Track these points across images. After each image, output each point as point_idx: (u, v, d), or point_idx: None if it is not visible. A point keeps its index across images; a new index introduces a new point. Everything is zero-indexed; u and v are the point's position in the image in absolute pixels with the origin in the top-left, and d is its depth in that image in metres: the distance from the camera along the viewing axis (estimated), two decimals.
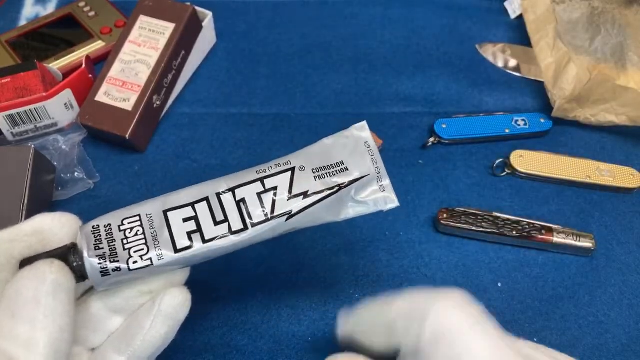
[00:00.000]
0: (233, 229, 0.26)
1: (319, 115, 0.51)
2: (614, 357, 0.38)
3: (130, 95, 0.47)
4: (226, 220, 0.26)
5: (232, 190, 0.27)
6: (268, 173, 0.27)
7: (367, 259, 0.42)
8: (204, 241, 0.26)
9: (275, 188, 0.27)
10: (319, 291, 0.41)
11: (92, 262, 0.25)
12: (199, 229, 0.26)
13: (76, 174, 0.45)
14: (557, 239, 0.42)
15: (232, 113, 0.51)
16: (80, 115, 0.47)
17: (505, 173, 0.47)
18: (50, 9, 0.59)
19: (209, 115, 0.51)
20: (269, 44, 0.56)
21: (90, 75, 0.49)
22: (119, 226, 0.26)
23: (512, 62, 0.55)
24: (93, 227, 0.26)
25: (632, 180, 0.46)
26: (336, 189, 0.27)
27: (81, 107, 0.47)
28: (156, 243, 0.26)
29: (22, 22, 0.58)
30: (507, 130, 0.49)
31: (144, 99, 0.46)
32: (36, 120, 0.46)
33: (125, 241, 0.25)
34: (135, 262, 0.25)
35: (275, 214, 0.27)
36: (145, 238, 0.26)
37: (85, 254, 0.25)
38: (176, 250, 0.26)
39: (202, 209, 0.26)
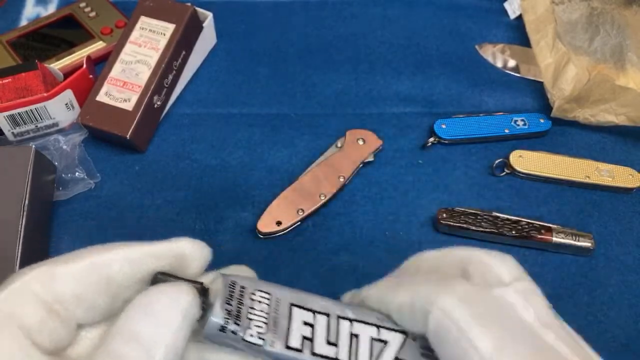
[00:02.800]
0: (338, 357, 0.26)
1: (319, 115, 0.51)
2: (614, 357, 0.38)
3: (131, 95, 0.47)
4: (336, 345, 0.27)
5: (352, 321, 0.27)
6: (386, 325, 0.28)
7: (367, 259, 0.42)
8: (312, 353, 0.26)
9: (385, 342, 0.27)
10: (319, 291, 0.40)
11: (219, 315, 0.25)
12: (312, 339, 0.26)
13: (77, 173, 0.45)
14: (557, 238, 0.42)
15: (232, 113, 0.51)
16: (81, 115, 0.47)
17: (504, 173, 0.47)
18: (51, 9, 0.59)
19: (209, 115, 0.51)
20: (269, 44, 0.56)
21: (91, 76, 0.49)
22: (252, 294, 0.26)
23: (512, 62, 0.55)
24: (232, 282, 0.26)
25: (631, 180, 0.46)
26: None
27: (82, 107, 0.47)
28: (274, 329, 0.26)
29: (23, 23, 0.58)
30: (506, 130, 0.49)
31: (145, 99, 0.46)
32: (37, 121, 0.46)
33: (251, 310, 0.26)
34: (251, 335, 0.25)
35: None
36: (267, 318, 0.26)
37: (218, 306, 0.25)
38: (287, 347, 0.26)
39: (321, 321, 0.27)
